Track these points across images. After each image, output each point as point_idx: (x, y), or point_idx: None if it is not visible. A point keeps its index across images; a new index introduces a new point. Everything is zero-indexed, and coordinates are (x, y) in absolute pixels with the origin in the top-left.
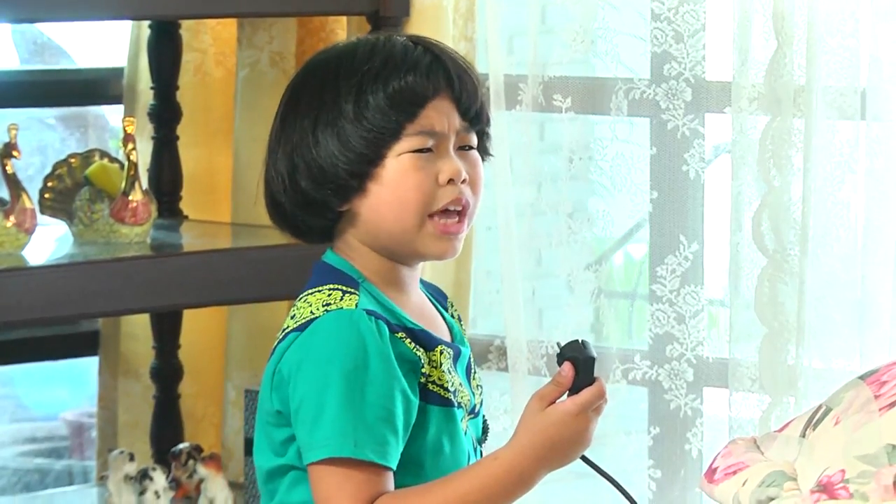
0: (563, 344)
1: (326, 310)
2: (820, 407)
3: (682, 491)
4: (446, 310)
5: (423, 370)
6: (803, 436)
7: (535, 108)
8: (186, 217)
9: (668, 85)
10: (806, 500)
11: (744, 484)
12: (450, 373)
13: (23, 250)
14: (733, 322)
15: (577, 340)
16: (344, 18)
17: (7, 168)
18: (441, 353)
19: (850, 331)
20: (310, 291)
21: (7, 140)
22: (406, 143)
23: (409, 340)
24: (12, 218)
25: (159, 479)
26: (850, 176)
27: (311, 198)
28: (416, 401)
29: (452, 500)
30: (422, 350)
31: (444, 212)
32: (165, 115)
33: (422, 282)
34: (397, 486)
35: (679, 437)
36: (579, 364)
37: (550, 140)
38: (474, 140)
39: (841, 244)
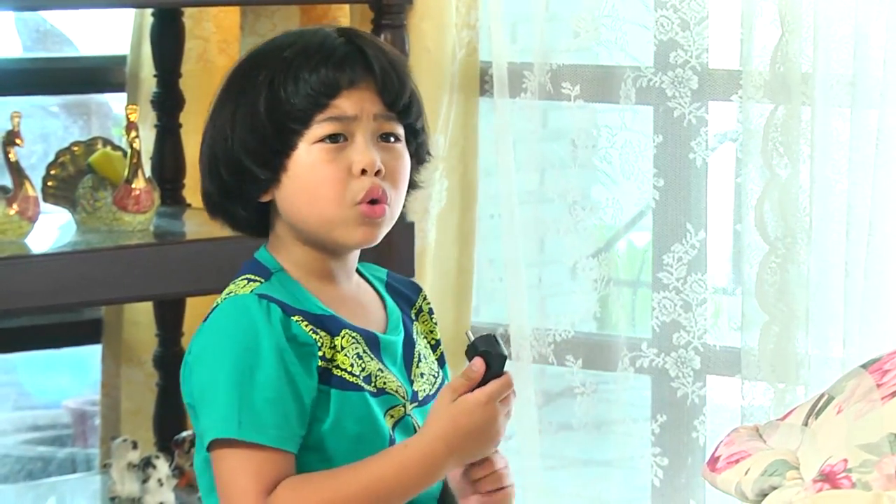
0: (473, 336)
1: (225, 298)
2: (822, 395)
3: (688, 478)
4: (413, 304)
5: (322, 353)
6: (806, 424)
7: (542, 96)
8: (189, 205)
9: (675, 73)
10: (808, 490)
11: (746, 473)
12: (360, 357)
13: (26, 238)
14: (741, 310)
15: (491, 335)
16: (346, 5)
17: (10, 156)
18: (344, 337)
19: (857, 319)
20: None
21: (10, 128)
22: (315, 130)
23: (305, 323)
24: (15, 206)
25: (162, 466)
26: (858, 164)
27: (230, 187)
28: (311, 384)
29: (359, 485)
30: (322, 333)
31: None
32: (168, 103)
33: (392, 276)
34: (303, 471)
35: (686, 425)
36: (491, 359)
37: (554, 128)
38: (399, 131)
39: (849, 232)
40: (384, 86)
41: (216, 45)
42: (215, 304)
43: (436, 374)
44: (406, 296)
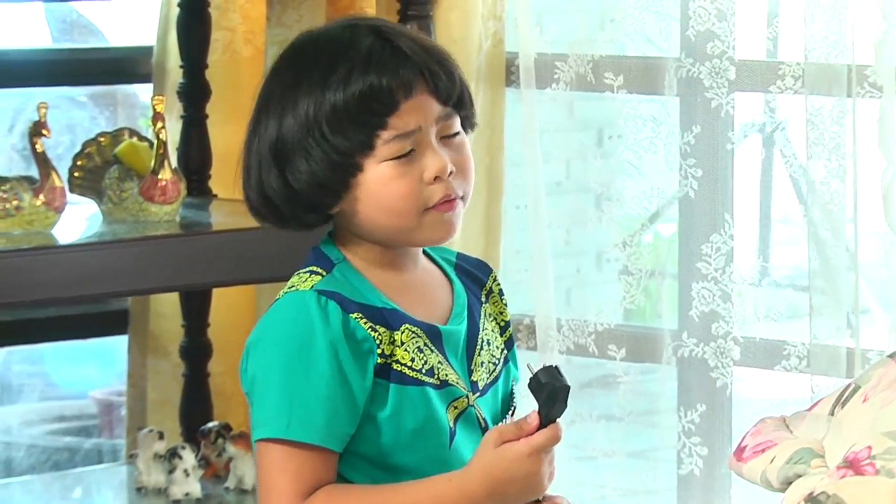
0: (535, 369)
1: (286, 291)
2: (849, 385)
3: (728, 469)
4: (483, 285)
5: (381, 350)
6: (832, 414)
7: (579, 86)
8: (215, 196)
9: (712, 63)
10: (832, 476)
11: (771, 461)
12: (421, 351)
13: (52, 229)
14: (789, 302)
15: (553, 366)
16: None
17: (37, 146)
18: (404, 332)
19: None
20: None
21: (37, 118)
22: (384, 150)
23: (364, 320)
24: (42, 196)
25: (188, 457)
26: None
27: (296, 202)
28: (366, 382)
29: None
30: (381, 329)
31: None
32: (194, 94)
33: (462, 257)
34: (360, 460)
35: (726, 415)
36: (556, 392)
37: (580, 119)
38: (458, 125)
39: None
40: (438, 85)
41: (242, 35)
42: (278, 297)
43: (496, 362)
44: (475, 276)
